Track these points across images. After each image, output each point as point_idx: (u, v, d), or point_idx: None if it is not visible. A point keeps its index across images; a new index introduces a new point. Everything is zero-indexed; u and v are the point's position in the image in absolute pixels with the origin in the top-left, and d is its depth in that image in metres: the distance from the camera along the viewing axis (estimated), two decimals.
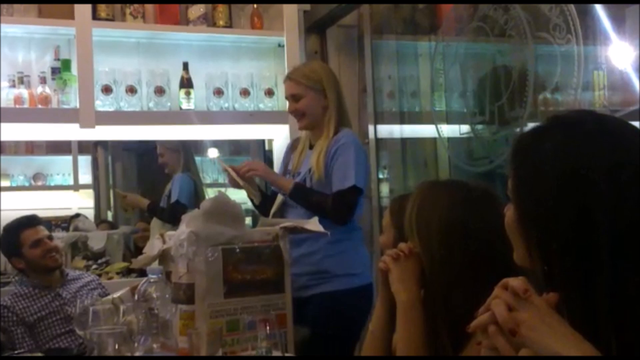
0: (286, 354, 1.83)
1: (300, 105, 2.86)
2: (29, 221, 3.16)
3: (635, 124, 1.12)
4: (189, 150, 4.36)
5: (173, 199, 4.09)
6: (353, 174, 2.71)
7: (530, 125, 1.12)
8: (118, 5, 3.52)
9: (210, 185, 4.67)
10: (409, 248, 1.69)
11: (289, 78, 2.93)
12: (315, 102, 2.85)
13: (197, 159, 4.53)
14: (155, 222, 4.18)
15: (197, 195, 4.20)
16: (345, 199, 2.72)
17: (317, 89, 2.85)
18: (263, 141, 4.49)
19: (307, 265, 2.73)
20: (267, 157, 4.42)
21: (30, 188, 4.72)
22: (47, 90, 3.36)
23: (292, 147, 3.06)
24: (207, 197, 4.08)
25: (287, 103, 2.94)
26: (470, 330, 1.02)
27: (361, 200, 2.83)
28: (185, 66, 3.56)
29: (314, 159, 2.80)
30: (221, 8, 3.67)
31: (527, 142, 1.11)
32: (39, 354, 2.25)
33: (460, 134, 3.20)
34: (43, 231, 3.15)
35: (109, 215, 4.81)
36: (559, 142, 1.06)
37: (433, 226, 1.62)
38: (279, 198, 2.90)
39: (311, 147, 2.89)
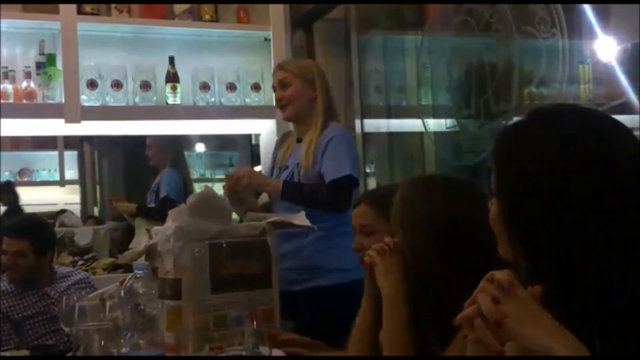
0: (273, 350, 1.83)
1: (288, 93, 2.82)
2: (11, 229, 3.10)
3: (620, 117, 1.13)
4: (178, 146, 4.35)
5: (162, 194, 4.07)
6: (347, 164, 2.68)
7: (516, 119, 1.13)
8: None
9: (197, 180, 4.66)
10: (394, 242, 1.69)
11: (279, 66, 2.92)
12: (302, 91, 2.81)
13: (184, 153, 4.53)
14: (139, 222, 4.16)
15: (186, 191, 4.19)
16: (341, 186, 2.67)
17: (306, 79, 2.82)
18: (250, 136, 4.48)
19: (297, 260, 2.72)
20: (254, 152, 4.42)
21: (16, 184, 4.69)
22: (32, 85, 3.33)
23: (280, 142, 3.04)
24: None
25: (276, 91, 2.89)
26: (456, 323, 1.03)
27: (356, 193, 2.83)
28: (171, 60, 3.55)
29: (302, 152, 2.77)
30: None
31: (508, 137, 1.11)
32: (25, 351, 2.24)
33: (447, 128, 3.21)
34: (15, 245, 3.02)
35: (96, 211, 4.79)
36: (540, 137, 1.06)
37: (416, 221, 1.63)
38: (263, 198, 2.88)
39: (299, 140, 2.87)
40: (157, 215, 4.02)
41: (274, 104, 2.94)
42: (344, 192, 2.67)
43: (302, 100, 2.81)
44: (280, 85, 2.85)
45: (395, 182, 2.29)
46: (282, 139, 3.04)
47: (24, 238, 3.03)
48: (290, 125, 2.99)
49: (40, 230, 3.16)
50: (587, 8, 2.45)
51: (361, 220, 2.03)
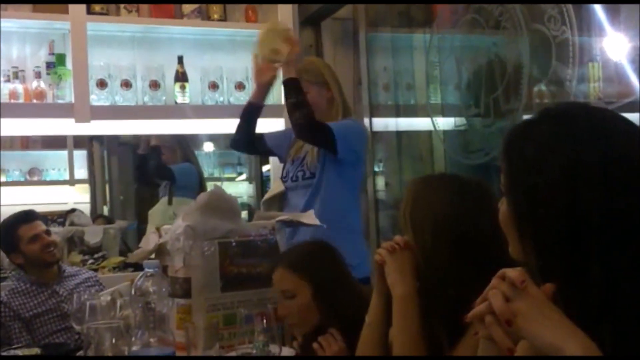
0: (283, 348, 1.83)
1: None
2: (27, 216, 3.15)
3: (631, 115, 1.12)
4: (185, 144, 4.38)
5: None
6: (337, 129, 2.72)
7: (526, 117, 1.13)
8: None
9: (206, 179, 4.68)
10: (404, 241, 1.69)
11: None
12: (319, 95, 2.85)
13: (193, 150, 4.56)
14: (153, 213, 4.18)
15: (201, 185, 4.23)
16: (318, 125, 2.73)
17: (319, 83, 2.86)
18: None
19: None
20: None
21: (25, 183, 4.71)
22: (42, 85, 3.35)
23: (295, 140, 3.04)
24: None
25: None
26: (467, 320, 1.03)
27: (357, 191, 2.85)
28: (180, 60, 3.56)
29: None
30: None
31: (517, 136, 1.11)
32: (36, 349, 2.25)
33: (456, 127, 3.20)
34: (41, 226, 3.14)
35: (105, 210, 4.81)
36: (549, 136, 1.06)
37: (426, 220, 1.63)
38: (277, 187, 2.90)
39: None
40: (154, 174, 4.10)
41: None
42: (322, 129, 2.73)
43: (321, 103, 2.86)
44: None
45: (307, 240, 2.30)
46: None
47: None
48: None
49: None
50: (597, 6, 2.44)
51: (282, 286, 2.05)
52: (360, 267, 2.78)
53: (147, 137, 4.34)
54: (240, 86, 3.66)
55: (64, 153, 4.78)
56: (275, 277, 2.07)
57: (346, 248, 2.75)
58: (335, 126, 2.75)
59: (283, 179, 2.93)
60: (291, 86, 2.76)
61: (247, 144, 3.09)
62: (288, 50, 2.80)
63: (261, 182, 4.98)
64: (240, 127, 3.05)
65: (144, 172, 4.38)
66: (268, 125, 3.74)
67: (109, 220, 4.45)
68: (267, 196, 3.01)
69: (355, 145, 2.82)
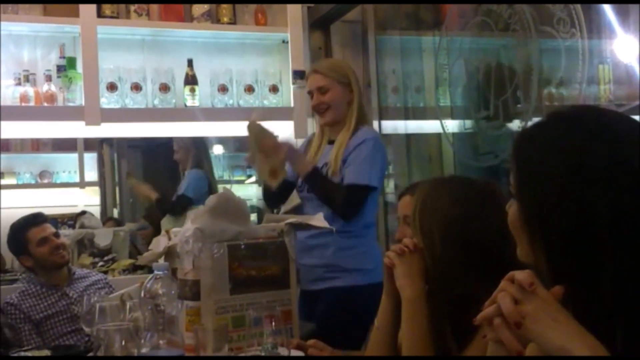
0: (292, 351, 1.83)
1: (327, 98, 2.83)
2: (35, 219, 3.17)
3: None
4: (201, 147, 4.39)
5: (179, 192, 4.13)
6: (368, 171, 2.70)
7: (535, 119, 1.13)
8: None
9: (216, 182, 4.68)
10: (413, 243, 1.69)
11: (315, 71, 2.90)
12: (341, 95, 2.83)
13: (209, 154, 4.57)
14: (166, 218, 4.19)
15: (210, 190, 4.23)
16: (356, 195, 2.70)
17: (343, 83, 2.84)
18: None
19: (321, 257, 2.73)
20: None
21: (36, 186, 4.74)
22: (53, 88, 3.37)
23: (308, 144, 3.03)
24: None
25: (313, 96, 2.86)
26: (476, 322, 1.03)
27: (376, 196, 2.84)
28: (190, 63, 3.57)
29: (333, 153, 2.79)
30: (225, 5, 3.68)
31: (527, 139, 1.11)
32: (46, 351, 2.26)
33: (465, 129, 3.19)
34: (49, 229, 3.16)
35: (115, 213, 4.83)
36: (559, 138, 1.06)
37: (435, 222, 1.62)
38: (294, 200, 2.89)
39: (331, 142, 2.87)
40: (172, 211, 4.09)
41: (312, 104, 2.90)
42: (356, 202, 2.71)
43: (341, 104, 2.83)
44: (318, 91, 2.85)
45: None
46: (310, 140, 3.03)
47: None
48: (313, 127, 2.99)
49: None
50: (607, 7, 2.43)
51: (407, 211, 2.03)
52: (374, 272, 2.76)
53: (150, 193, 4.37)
54: (249, 89, 3.66)
55: (74, 156, 4.81)
56: (402, 202, 2.09)
57: (361, 254, 2.76)
58: (368, 167, 2.70)
59: (299, 188, 2.89)
60: (312, 181, 2.74)
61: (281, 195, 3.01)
62: (280, 161, 2.74)
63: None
64: (270, 195, 2.99)
65: (165, 207, 4.33)
66: (279, 128, 3.75)
67: (119, 222, 4.47)
68: (284, 209, 2.98)
69: (383, 172, 2.84)
